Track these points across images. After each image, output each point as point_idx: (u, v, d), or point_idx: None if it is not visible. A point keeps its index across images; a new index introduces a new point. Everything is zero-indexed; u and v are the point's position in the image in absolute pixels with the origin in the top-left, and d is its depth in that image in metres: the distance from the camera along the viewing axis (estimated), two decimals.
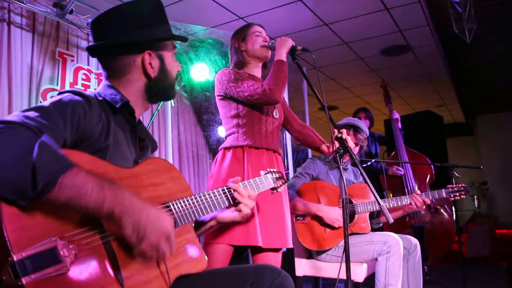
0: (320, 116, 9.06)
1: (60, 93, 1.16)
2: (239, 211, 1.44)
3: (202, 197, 1.31)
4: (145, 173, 1.18)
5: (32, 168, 0.86)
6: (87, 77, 4.42)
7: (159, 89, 1.32)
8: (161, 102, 4.21)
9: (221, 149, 2.14)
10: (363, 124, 2.89)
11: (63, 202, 0.92)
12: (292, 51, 2.07)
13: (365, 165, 3.24)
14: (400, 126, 4.39)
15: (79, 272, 0.95)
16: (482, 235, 5.66)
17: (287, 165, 4.84)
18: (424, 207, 2.67)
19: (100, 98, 1.24)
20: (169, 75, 1.33)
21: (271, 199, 2.02)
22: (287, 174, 4.93)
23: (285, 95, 4.72)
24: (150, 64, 1.28)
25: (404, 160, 4.18)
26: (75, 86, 4.26)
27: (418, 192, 2.69)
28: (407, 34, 5.20)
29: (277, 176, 1.64)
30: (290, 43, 2.08)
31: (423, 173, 4.25)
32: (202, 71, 5.02)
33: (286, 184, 2.21)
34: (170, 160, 4.02)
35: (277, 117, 2.18)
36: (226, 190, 1.41)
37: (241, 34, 2.22)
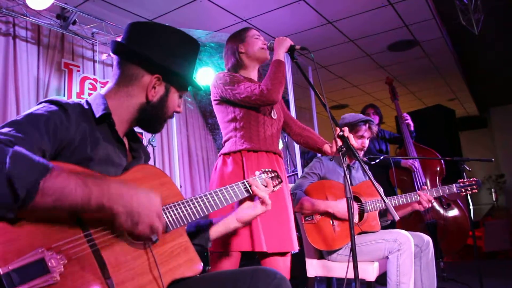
0: (327, 114, 9.02)
1: (38, 104, 1.15)
2: (263, 203, 1.50)
3: (215, 194, 1.35)
4: (133, 179, 1.17)
5: (8, 179, 0.86)
6: (93, 86, 4.47)
7: (151, 115, 1.30)
8: None
9: (220, 155, 2.13)
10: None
11: (51, 206, 0.92)
12: (290, 51, 2.06)
13: (373, 162, 3.18)
14: (413, 129, 4.34)
15: (69, 282, 0.94)
16: (501, 229, 5.55)
17: (296, 166, 4.82)
18: (430, 204, 2.63)
19: (86, 107, 1.24)
20: (165, 109, 1.31)
21: (273, 202, 2.01)
22: (296, 175, 4.91)
23: (290, 95, 4.75)
24: (154, 88, 1.28)
25: (413, 155, 4.11)
26: (81, 96, 4.30)
27: (425, 188, 2.66)
28: (414, 29, 5.15)
29: (272, 175, 1.63)
30: (288, 42, 2.07)
31: (433, 169, 4.19)
32: (206, 75, 5.05)
33: (288, 185, 2.19)
34: (176, 166, 4.02)
35: (276, 118, 2.18)
36: (246, 183, 1.47)
37: (240, 37, 2.23)
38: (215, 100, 2.15)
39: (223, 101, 2.11)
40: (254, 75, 2.24)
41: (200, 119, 5.91)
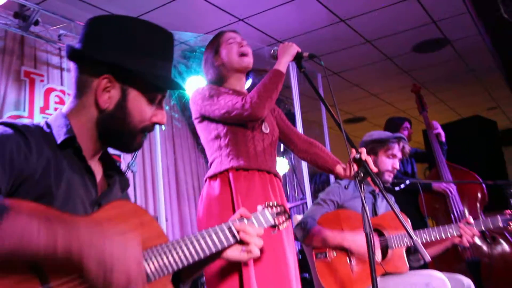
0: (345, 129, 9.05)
1: None
2: (249, 252, 1.47)
3: (198, 237, 1.33)
4: (107, 219, 1.15)
5: None
6: (61, 100, 4.48)
7: (112, 129, 1.27)
8: None
9: (205, 180, 2.16)
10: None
11: (9, 253, 0.91)
12: (297, 59, 2.12)
13: (398, 188, 3.19)
14: (444, 140, 4.33)
15: None
16: None
17: (304, 192, 4.81)
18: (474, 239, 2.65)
19: (48, 131, 1.22)
20: (129, 118, 1.26)
21: (268, 239, 1.99)
22: (305, 204, 4.89)
23: (296, 107, 4.82)
24: (107, 92, 1.24)
25: (447, 178, 4.09)
26: (46, 112, 4.31)
27: (470, 219, 2.65)
28: (443, 25, 5.20)
29: (278, 210, 1.63)
30: (294, 49, 2.12)
31: (473, 194, 4.12)
32: (196, 86, 5.02)
33: (290, 220, 2.19)
34: (161, 195, 4.01)
35: (267, 131, 2.22)
36: (231, 225, 1.45)
37: (213, 46, 2.29)
38: (195, 118, 2.22)
39: (204, 118, 2.17)
40: (240, 85, 2.29)
41: (190, 139, 5.90)
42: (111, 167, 1.38)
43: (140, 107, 1.26)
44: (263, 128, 2.21)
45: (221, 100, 2.08)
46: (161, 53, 1.29)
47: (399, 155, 2.88)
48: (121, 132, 1.27)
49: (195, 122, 2.23)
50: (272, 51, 2.22)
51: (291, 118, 5.01)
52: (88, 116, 1.26)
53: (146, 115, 1.28)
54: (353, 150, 1.91)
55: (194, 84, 5.05)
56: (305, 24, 4.93)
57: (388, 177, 2.87)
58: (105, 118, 1.25)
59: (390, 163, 2.84)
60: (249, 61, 2.24)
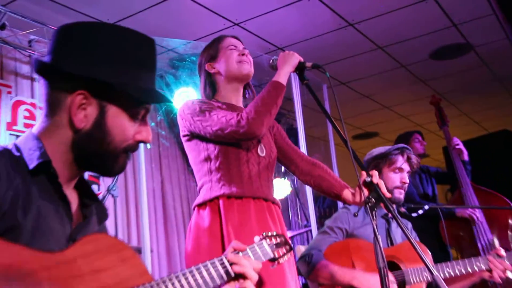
0: (352, 146, 9.03)
1: None
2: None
3: (187, 274, 1.32)
4: (82, 256, 1.14)
5: None
6: (32, 114, 4.47)
7: (90, 150, 1.26)
8: None
9: (194, 208, 2.18)
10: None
11: None
12: (299, 70, 2.15)
13: (415, 214, 3.18)
14: (467, 158, 4.33)
15: None
16: None
17: (309, 219, 4.77)
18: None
19: (17, 154, 1.21)
20: (109, 137, 1.26)
21: (267, 274, 1.99)
22: (310, 232, 4.85)
23: (299, 121, 4.81)
24: (82, 109, 1.24)
25: (472, 202, 4.07)
26: (14, 128, 4.30)
27: (501, 251, 2.63)
28: (465, 29, 5.24)
29: (278, 241, 1.63)
30: (295, 59, 2.15)
31: (503, 221, 4.09)
32: (185, 98, 5.00)
33: (292, 252, 2.19)
34: (146, 223, 3.98)
35: (264, 155, 2.23)
36: (224, 260, 1.43)
37: (210, 52, 2.31)
38: (184, 135, 2.24)
39: (194, 136, 2.19)
40: (236, 98, 2.32)
41: (179, 160, 5.88)
42: (88, 195, 1.37)
43: (121, 124, 1.26)
44: (258, 150, 2.22)
45: (213, 115, 2.09)
46: (142, 63, 1.29)
47: (406, 167, 2.88)
48: (100, 154, 1.27)
49: (183, 140, 2.25)
50: (271, 61, 2.25)
51: (293, 133, 5.13)
52: (62, 137, 1.25)
53: (128, 133, 1.28)
54: (363, 173, 1.91)
55: (183, 96, 5.09)
56: (308, 28, 4.96)
57: (399, 194, 2.86)
58: (82, 139, 1.25)
59: (397, 178, 2.85)
60: (249, 69, 2.27)
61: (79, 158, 1.26)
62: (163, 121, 5.51)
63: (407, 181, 2.87)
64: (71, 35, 1.26)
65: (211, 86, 2.30)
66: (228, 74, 2.25)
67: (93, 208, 1.36)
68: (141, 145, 4.35)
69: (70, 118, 1.24)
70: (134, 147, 1.30)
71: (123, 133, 1.27)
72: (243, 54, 2.26)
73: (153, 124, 5.23)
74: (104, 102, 1.25)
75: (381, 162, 2.91)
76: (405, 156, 2.89)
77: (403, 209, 3.01)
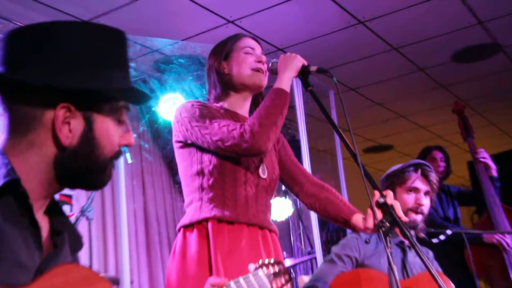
0: (363, 161, 9.04)
1: None
2: None
3: None
4: None
5: None
6: None
7: (77, 168, 1.28)
8: None
9: (179, 229, 2.19)
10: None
11: None
12: (303, 75, 2.17)
13: (435, 240, 3.18)
14: (495, 174, 4.32)
15: None
16: None
17: (313, 243, 4.75)
18: None
19: None
20: (99, 150, 1.28)
21: None
22: (314, 259, 4.81)
23: (302, 132, 4.83)
24: (66, 123, 1.25)
25: (502, 226, 4.06)
26: None
27: None
28: (493, 27, 5.21)
29: (276, 270, 1.62)
30: (298, 62, 2.17)
31: None
32: (172, 106, 5.01)
33: (293, 282, 2.21)
34: (125, 248, 3.99)
35: (265, 176, 2.25)
36: None
37: (223, 50, 2.32)
38: (177, 141, 2.24)
39: (188, 144, 2.20)
40: (244, 108, 2.34)
41: (165, 177, 5.90)
42: (60, 220, 1.36)
43: (108, 133, 1.29)
44: (260, 171, 2.23)
45: (214, 123, 2.09)
46: (114, 60, 1.32)
47: (422, 187, 2.87)
48: (89, 169, 1.29)
49: (175, 146, 2.25)
50: (270, 64, 2.26)
51: (295, 146, 4.90)
52: (41, 156, 1.25)
53: (115, 141, 1.31)
54: (376, 193, 1.91)
55: (169, 104, 5.06)
56: (312, 27, 4.94)
57: (415, 216, 2.86)
58: (68, 156, 1.26)
59: (411, 199, 2.84)
60: (263, 79, 2.28)
61: (64, 175, 1.28)
62: (147, 132, 5.52)
63: (423, 203, 2.86)
64: (31, 40, 1.26)
65: (220, 87, 2.30)
66: (239, 80, 2.26)
67: (66, 235, 1.35)
68: (121, 160, 4.37)
69: (54, 135, 1.24)
70: (120, 154, 1.34)
71: (111, 142, 1.30)
72: (259, 61, 2.27)
73: (135, 135, 5.09)
74: (89, 112, 1.27)
75: (395, 181, 2.91)
76: (419, 173, 2.89)
77: (422, 235, 3.01)
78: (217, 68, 2.30)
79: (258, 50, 2.32)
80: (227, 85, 2.29)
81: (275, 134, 2.09)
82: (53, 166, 1.25)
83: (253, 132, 2.01)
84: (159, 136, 5.51)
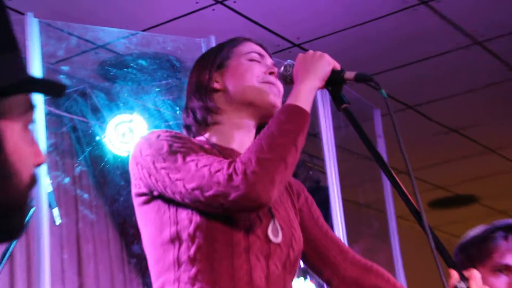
0: (430, 221, 9.95)
1: None
2: None
3: None
4: None
5: None
6: None
7: None
8: None
9: None
10: None
11: None
12: (333, 84, 2.16)
13: None
14: None
15: None
16: None
17: None
18: None
19: None
20: (15, 178, 1.24)
21: None
22: None
23: (331, 177, 5.12)
24: None
25: None
26: None
27: None
28: None
29: None
30: (326, 65, 2.15)
31: None
32: (127, 134, 5.06)
33: None
34: None
35: (278, 240, 2.18)
36: None
37: (215, 57, 2.37)
38: (138, 194, 2.19)
39: (154, 197, 2.15)
40: (244, 144, 2.27)
41: (114, 245, 5.99)
42: None
43: (21, 149, 1.28)
44: (269, 231, 2.17)
45: (190, 163, 2.06)
46: (10, 42, 1.26)
47: None
48: (4, 208, 1.24)
49: (136, 202, 2.20)
50: (282, 68, 2.26)
51: (322, 197, 5.17)
52: None
53: (31, 159, 1.30)
54: (453, 273, 1.90)
55: (122, 130, 5.10)
56: (347, 10, 4.90)
57: None
58: None
59: (502, 285, 2.84)
60: (277, 95, 2.27)
61: None
62: (86, 175, 5.48)
63: None
64: None
65: (206, 110, 2.30)
66: (239, 96, 2.26)
67: None
68: (42, 221, 4.36)
69: None
70: (36, 180, 1.31)
71: (27, 162, 1.29)
72: (271, 73, 2.27)
73: (67, 180, 5.21)
74: None
75: (474, 254, 2.93)
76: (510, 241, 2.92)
77: None
78: (204, 83, 2.32)
79: (268, 59, 2.35)
80: (218, 107, 2.28)
81: (284, 176, 2.02)
82: None
83: (246, 174, 1.94)
84: (106, 182, 5.48)
